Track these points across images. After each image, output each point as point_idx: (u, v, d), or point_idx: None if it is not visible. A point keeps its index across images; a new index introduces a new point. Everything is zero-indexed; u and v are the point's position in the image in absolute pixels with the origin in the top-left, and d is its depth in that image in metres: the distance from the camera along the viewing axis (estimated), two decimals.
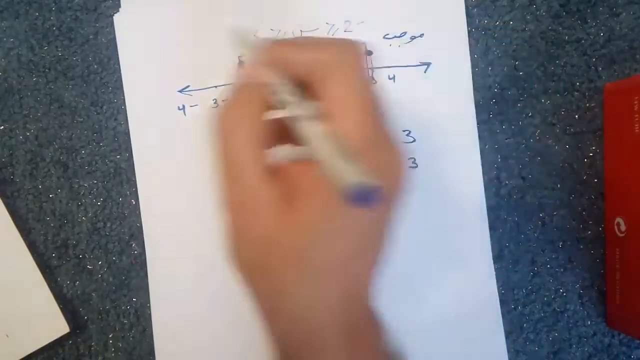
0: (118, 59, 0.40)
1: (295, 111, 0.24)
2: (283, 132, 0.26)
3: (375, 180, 0.20)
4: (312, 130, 0.24)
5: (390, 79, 0.38)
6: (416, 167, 0.38)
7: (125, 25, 0.39)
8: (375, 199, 0.20)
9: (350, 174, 0.21)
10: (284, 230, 0.25)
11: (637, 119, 0.34)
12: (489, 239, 0.38)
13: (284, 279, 0.26)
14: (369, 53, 0.38)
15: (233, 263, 0.29)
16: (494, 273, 0.38)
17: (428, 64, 0.38)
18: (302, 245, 0.25)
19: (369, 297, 0.30)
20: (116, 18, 0.39)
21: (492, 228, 0.38)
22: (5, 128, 0.40)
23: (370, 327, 0.30)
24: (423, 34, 0.38)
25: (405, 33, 0.38)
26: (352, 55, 0.25)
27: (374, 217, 0.26)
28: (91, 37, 0.40)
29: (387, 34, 0.38)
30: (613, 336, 0.38)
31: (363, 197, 0.20)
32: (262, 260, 0.27)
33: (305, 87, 0.25)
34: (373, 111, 0.25)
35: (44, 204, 0.40)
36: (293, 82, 0.25)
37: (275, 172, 0.26)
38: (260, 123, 0.25)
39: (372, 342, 0.29)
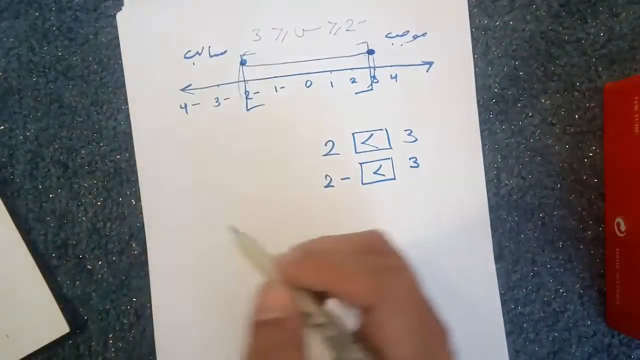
0: (118, 59, 0.39)
1: (342, 354, 0.23)
2: None
3: None
4: None
5: (392, 78, 0.38)
6: (418, 167, 0.38)
7: (128, 24, 0.39)
8: None
9: None
10: None
11: (637, 119, 0.34)
12: (491, 238, 0.38)
13: None
14: (371, 52, 0.38)
15: None
16: (495, 273, 0.38)
17: (430, 63, 0.38)
18: None
19: None
20: (119, 17, 0.39)
21: (492, 228, 0.38)
22: (5, 128, 0.40)
23: None
24: (426, 33, 0.38)
25: (407, 32, 0.38)
26: (405, 284, 0.24)
27: None
28: (91, 37, 0.40)
29: (390, 33, 0.38)
30: (613, 336, 0.38)
31: None
32: None
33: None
34: (428, 338, 0.24)
35: (44, 204, 0.40)
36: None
37: None
38: None
39: None
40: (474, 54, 0.38)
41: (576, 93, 0.38)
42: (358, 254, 0.25)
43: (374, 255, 0.25)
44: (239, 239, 0.26)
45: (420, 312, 0.24)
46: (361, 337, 0.24)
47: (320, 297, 0.24)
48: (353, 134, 0.38)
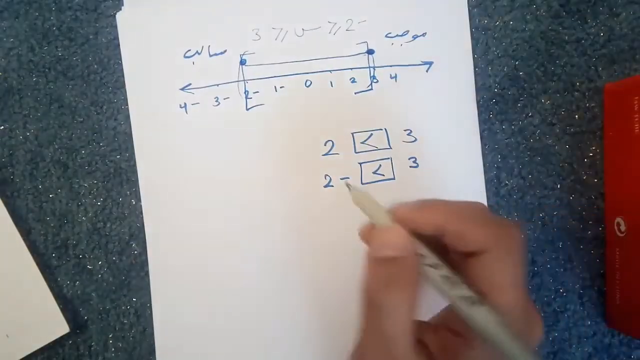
0: (118, 59, 0.40)
1: (455, 291, 0.25)
2: None
3: None
4: (481, 315, 0.24)
5: (392, 78, 0.38)
6: (417, 167, 0.38)
7: (128, 24, 0.39)
8: None
9: None
10: None
11: (637, 119, 0.34)
12: None
13: None
14: (371, 52, 0.38)
15: None
16: None
17: (430, 63, 0.38)
18: None
19: None
20: (119, 16, 0.39)
21: None
22: (5, 128, 0.40)
23: None
24: (425, 33, 0.38)
25: (407, 32, 0.38)
26: (514, 237, 0.26)
27: None
28: (91, 37, 0.40)
29: (390, 33, 0.38)
30: (613, 336, 0.38)
31: None
32: None
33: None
34: (525, 291, 0.25)
35: (44, 204, 0.40)
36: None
37: (421, 350, 0.25)
38: (417, 299, 0.25)
39: None
40: (474, 54, 0.38)
41: (576, 93, 0.38)
42: (470, 209, 0.26)
43: (486, 213, 0.27)
44: (352, 194, 0.27)
45: (525, 271, 0.26)
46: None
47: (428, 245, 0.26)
48: (352, 133, 0.38)
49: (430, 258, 0.25)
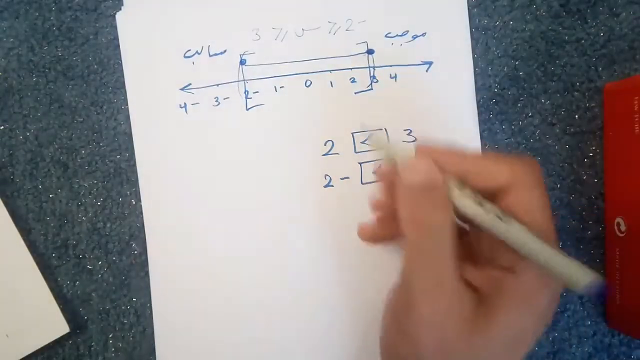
0: (118, 59, 0.40)
1: (489, 214, 0.25)
2: None
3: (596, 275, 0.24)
4: (521, 233, 0.25)
5: (392, 78, 0.38)
6: None
7: (128, 23, 0.39)
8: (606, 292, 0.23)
9: (581, 273, 0.24)
10: (475, 343, 0.25)
11: (637, 119, 0.34)
12: None
13: None
14: (371, 52, 0.38)
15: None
16: None
17: (430, 63, 0.38)
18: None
19: None
20: (118, 16, 0.39)
21: None
22: (5, 128, 0.40)
23: None
24: (425, 33, 0.38)
25: (407, 32, 0.38)
26: (536, 169, 0.27)
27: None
28: (91, 37, 0.40)
29: (389, 33, 0.38)
30: (613, 336, 0.38)
31: (599, 292, 0.24)
32: None
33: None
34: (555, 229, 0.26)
35: (44, 204, 0.40)
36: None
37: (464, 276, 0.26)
38: (453, 220, 0.26)
39: None
40: (474, 54, 0.38)
41: (576, 93, 0.38)
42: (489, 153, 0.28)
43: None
44: (372, 137, 0.29)
45: (547, 197, 0.26)
46: None
47: None
48: (353, 133, 0.38)
49: (454, 180, 0.26)
